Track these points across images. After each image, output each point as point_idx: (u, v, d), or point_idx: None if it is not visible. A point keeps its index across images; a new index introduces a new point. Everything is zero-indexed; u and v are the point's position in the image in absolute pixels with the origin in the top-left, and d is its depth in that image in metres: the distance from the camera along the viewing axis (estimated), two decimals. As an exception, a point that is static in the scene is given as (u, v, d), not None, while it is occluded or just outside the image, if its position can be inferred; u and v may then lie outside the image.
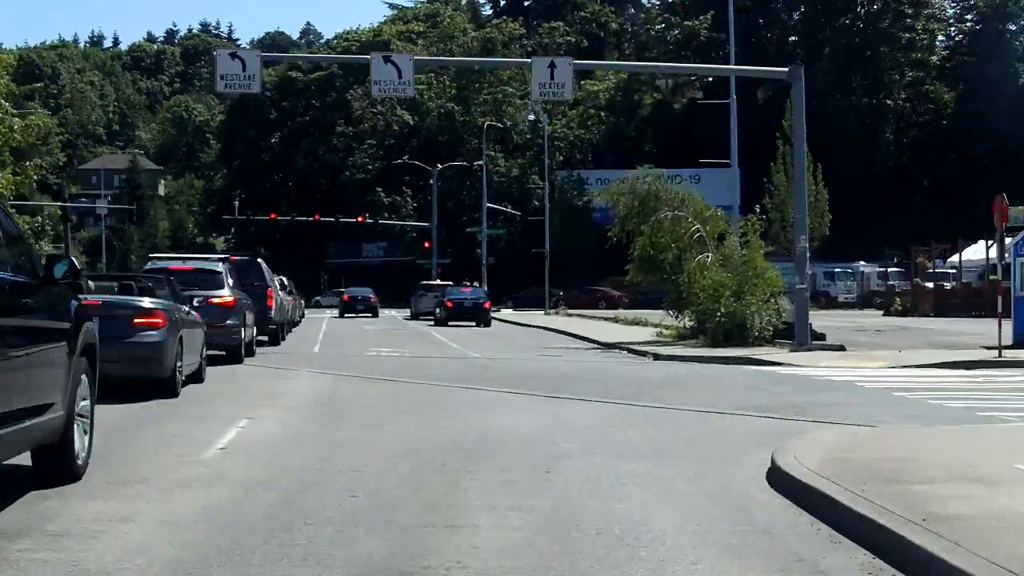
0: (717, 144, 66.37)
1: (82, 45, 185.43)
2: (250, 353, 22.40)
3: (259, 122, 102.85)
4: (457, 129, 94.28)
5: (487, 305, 48.56)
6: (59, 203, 76.06)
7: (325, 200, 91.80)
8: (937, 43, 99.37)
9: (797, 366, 22.39)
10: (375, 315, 57.30)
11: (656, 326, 37.87)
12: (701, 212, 33.84)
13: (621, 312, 56.48)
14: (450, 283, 58.14)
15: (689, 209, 33.64)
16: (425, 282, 61.13)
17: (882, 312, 53.39)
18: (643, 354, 27.52)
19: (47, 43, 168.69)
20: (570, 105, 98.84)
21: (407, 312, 58.94)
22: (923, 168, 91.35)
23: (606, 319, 49.60)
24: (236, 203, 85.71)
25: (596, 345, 32.30)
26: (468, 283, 57.93)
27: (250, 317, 22.42)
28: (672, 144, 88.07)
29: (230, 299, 20.45)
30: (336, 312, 60.01)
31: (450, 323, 46.44)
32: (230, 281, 20.99)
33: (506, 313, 60.66)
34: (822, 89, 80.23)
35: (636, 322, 42.99)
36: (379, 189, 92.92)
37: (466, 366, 22.53)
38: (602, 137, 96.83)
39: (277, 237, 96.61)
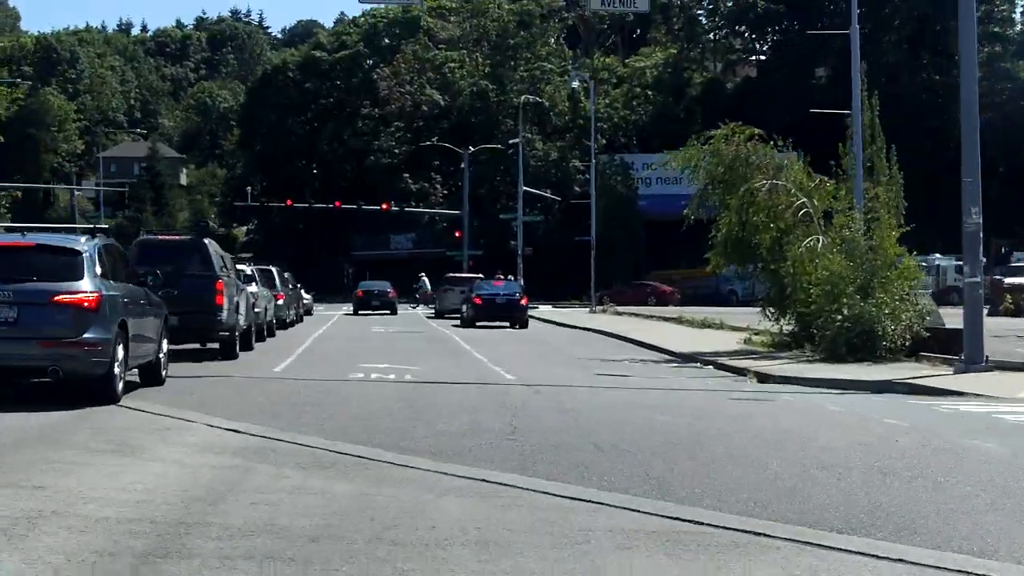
0: (773, 127, 59.33)
1: (110, 32, 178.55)
2: (154, 380, 14.48)
3: (281, 104, 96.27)
4: (491, 109, 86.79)
5: (523, 302, 40.34)
6: (27, 184, 69.44)
7: (350, 188, 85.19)
8: (1016, 15, 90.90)
9: (1002, 401, 14.91)
10: (393, 312, 49.81)
11: (735, 329, 30.44)
12: (802, 183, 25.98)
13: (681, 310, 48.41)
14: (480, 276, 50.30)
15: (788, 178, 25.84)
16: (450, 275, 53.19)
17: (987, 311, 45.86)
18: (740, 372, 20.20)
19: (69, 28, 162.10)
20: (614, 84, 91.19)
21: (433, 309, 51.27)
22: (1001, 153, 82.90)
23: (664, 319, 41.61)
24: (249, 189, 78.37)
25: (669, 356, 24.64)
26: (501, 276, 50.07)
27: (150, 324, 14.35)
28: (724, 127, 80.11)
29: (91, 296, 12.05)
30: (351, 308, 51.72)
31: (479, 323, 38.65)
32: (98, 269, 12.60)
33: (544, 310, 52.50)
34: (891, 66, 72.18)
35: (707, 324, 35.18)
36: (406, 175, 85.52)
37: (493, 405, 13.67)
38: (648, 118, 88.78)
39: (300, 227, 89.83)
